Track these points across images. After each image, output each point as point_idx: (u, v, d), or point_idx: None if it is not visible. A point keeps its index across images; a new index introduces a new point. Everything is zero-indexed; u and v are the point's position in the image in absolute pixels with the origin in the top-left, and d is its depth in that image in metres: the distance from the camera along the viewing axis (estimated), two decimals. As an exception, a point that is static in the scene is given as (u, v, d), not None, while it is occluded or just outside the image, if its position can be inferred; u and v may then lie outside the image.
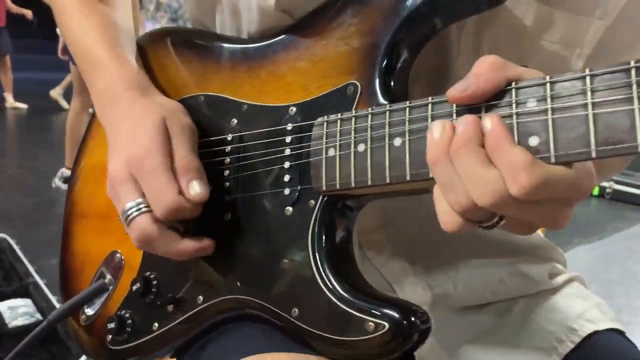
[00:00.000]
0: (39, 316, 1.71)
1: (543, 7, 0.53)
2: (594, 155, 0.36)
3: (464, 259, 0.67)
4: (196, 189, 0.52)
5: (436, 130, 0.40)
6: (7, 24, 6.44)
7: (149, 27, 3.44)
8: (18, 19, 6.64)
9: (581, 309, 0.66)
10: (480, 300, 0.67)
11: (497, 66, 0.39)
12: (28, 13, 6.63)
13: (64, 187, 3.12)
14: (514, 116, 0.39)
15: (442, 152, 0.39)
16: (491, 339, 0.66)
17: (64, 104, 6.70)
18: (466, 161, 0.38)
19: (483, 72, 0.39)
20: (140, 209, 0.53)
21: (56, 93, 6.79)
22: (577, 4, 0.53)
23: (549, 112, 0.38)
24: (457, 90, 0.40)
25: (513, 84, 0.40)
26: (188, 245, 0.54)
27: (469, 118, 0.39)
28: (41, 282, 1.88)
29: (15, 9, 6.51)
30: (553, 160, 0.37)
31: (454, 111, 0.42)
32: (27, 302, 1.78)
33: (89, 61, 0.62)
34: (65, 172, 3.40)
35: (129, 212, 0.53)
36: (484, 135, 0.38)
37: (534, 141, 0.38)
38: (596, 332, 0.64)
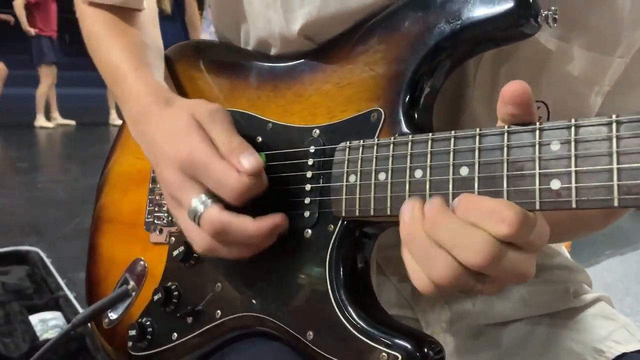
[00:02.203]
0: None
1: (562, 44, 0.52)
2: (615, 204, 0.35)
3: None
4: (248, 161, 0.51)
5: (407, 211, 0.42)
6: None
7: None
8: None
9: (608, 330, 0.64)
10: (500, 318, 0.67)
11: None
12: (9, 18, 6.67)
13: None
14: (537, 158, 0.38)
15: (417, 229, 0.41)
16: (514, 359, 0.65)
17: (50, 124, 6.85)
18: (448, 226, 0.39)
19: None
20: (205, 202, 0.51)
21: (41, 121, 6.90)
22: (597, 43, 0.52)
23: (573, 158, 0.37)
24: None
25: (537, 123, 0.39)
26: (264, 221, 0.52)
27: (436, 199, 0.41)
28: (71, 296, 1.89)
29: (22, 19, 6.51)
30: (574, 205, 0.37)
31: (477, 147, 0.42)
32: (58, 315, 1.78)
33: (117, 82, 0.63)
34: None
35: (197, 209, 0.52)
36: (454, 205, 0.39)
37: (555, 184, 0.38)
38: (624, 354, 0.62)
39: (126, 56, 0.64)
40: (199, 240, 0.53)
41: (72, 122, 7.12)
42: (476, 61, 0.54)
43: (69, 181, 4.34)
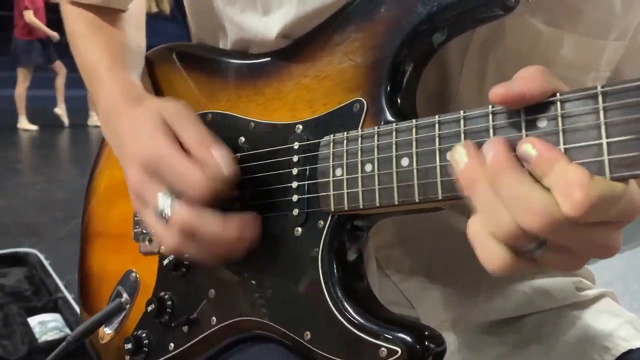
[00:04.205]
0: (67, 331, 1.71)
1: (551, 30, 0.50)
2: (608, 177, 0.34)
3: (484, 273, 0.65)
4: (217, 152, 0.50)
5: (461, 154, 0.37)
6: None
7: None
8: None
9: (613, 326, 0.63)
10: (503, 314, 0.65)
11: (546, 73, 0.37)
12: (54, 35, 6.64)
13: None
14: (524, 137, 0.37)
15: (478, 175, 0.36)
16: (519, 357, 0.64)
17: (33, 127, 6.78)
18: (510, 183, 0.35)
19: (531, 76, 0.36)
20: (172, 199, 0.50)
21: (24, 124, 6.83)
22: (588, 26, 0.51)
23: (561, 134, 0.36)
24: (502, 88, 0.36)
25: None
26: (234, 219, 0.50)
27: (497, 139, 0.36)
28: (70, 297, 1.88)
29: (40, 26, 6.53)
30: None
31: (462, 131, 0.41)
32: (57, 316, 1.78)
33: (94, 79, 0.63)
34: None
35: (162, 207, 0.50)
36: (528, 158, 0.35)
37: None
38: (630, 351, 0.61)
39: (103, 55, 0.64)
40: (168, 238, 0.51)
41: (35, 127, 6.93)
42: (462, 51, 0.53)
43: (66, 182, 4.31)
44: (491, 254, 0.37)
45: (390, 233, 0.64)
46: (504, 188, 0.35)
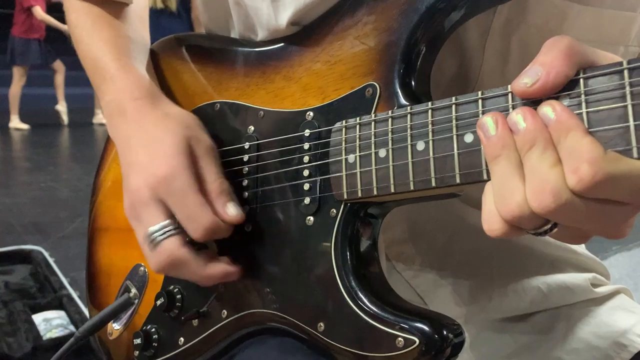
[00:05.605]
0: (72, 328, 1.71)
1: (577, 7, 0.49)
2: (635, 155, 0.33)
3: (498, 269, 0.63)
4: (232, 211, 0.52)
5: (491, 125, 0.36)
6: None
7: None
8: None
9: (629, 323, 0.61)
10: (517, 311, 0.64)
11: (571, 53, 0.34)
12: (66, 29, 6.65)
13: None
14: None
15: (507, 143, 0.35)
16: (532, 354, 0.62)
17: (25, 126, 6.73)
18: (536, 157, 0.33)
19: (553, 61, 0.34)
20: (166, 232, 0.51)
21: (15, 123, 6.78)
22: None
23: (584, 114, 0.34)
24: (523, 85, 0.35)
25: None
26: (216, 268, 0.52)
27: (529, 109, 0.34)
28: (74, 294, 1.89)
29: (51, 21, 6.54)
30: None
31: (481, 112, 0.39)
32: (61, 314, 1.78)
33: (98, 72, 0.62)
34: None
35: (154, 235, 0.51)
36: (547, 121, 0.34)
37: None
38: None
39: (109, 47, 0.62)
40: (153, 262, 0.53)
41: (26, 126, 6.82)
42: (483, 33, 0.52)
43: (71, 180, 4.31)
44: (493, 224, 0.36)
45: (401, 229, 0.62)
46: (530, 160, 0.34)
